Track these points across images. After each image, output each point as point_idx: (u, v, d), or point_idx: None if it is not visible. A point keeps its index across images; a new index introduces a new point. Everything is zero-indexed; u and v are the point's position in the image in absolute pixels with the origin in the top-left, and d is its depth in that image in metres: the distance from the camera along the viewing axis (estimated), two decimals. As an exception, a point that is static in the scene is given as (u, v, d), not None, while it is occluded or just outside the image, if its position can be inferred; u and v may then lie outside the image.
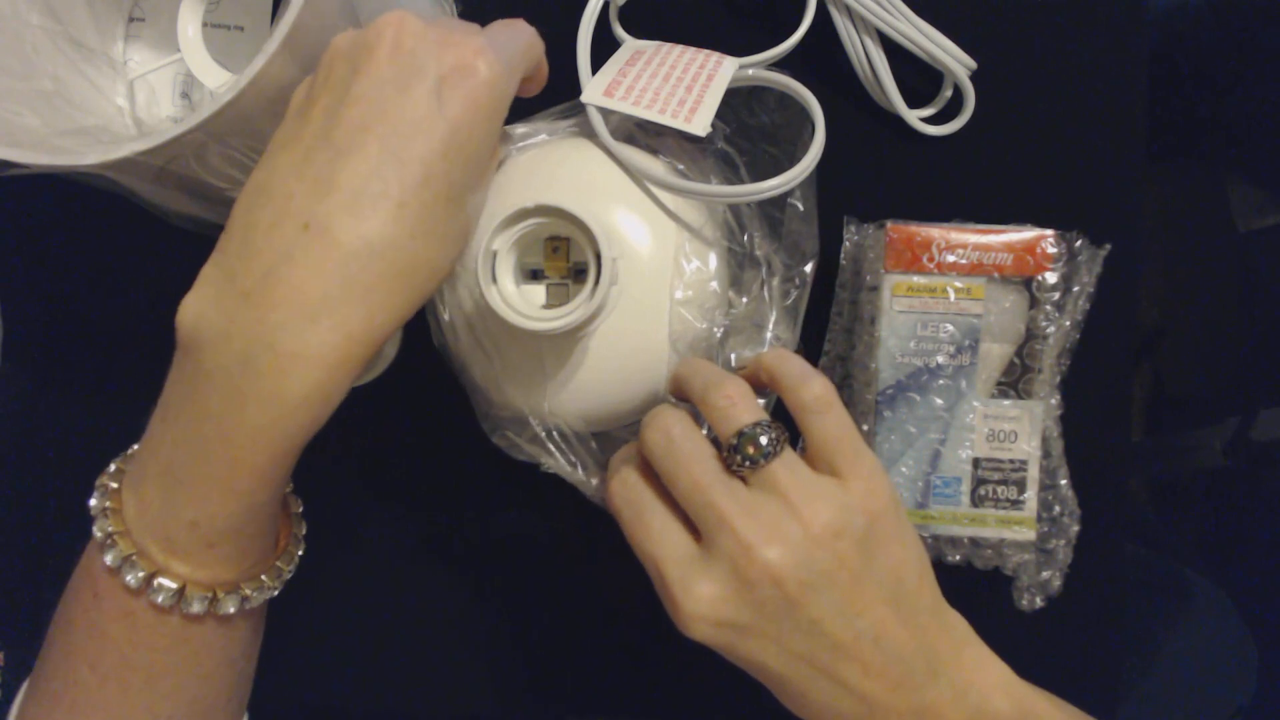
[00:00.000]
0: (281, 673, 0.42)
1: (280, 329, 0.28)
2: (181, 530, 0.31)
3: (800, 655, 0.34)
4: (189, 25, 0.46)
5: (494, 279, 0.37)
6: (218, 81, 0.45)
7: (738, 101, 0.45)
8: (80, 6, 0.46)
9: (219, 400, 0.29)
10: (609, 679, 0.51)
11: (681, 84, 0.42)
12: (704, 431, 0.37)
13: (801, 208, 0.44)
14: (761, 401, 0.38)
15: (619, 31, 0.47)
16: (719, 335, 0.42)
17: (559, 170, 0.42)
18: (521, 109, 0.43)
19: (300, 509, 0.39)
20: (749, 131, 0.45)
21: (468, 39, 0.33)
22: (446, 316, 0.42)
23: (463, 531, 0.51)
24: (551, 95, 0.43)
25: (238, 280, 0.29)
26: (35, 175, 0.36)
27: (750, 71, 0.44)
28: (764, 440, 0.34)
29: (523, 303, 0.38)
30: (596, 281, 0.36)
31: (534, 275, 0.40)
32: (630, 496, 0.36)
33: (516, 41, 0.36)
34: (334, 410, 0.31)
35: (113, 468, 0.34)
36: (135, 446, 0.34)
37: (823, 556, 0.33)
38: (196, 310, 0.29)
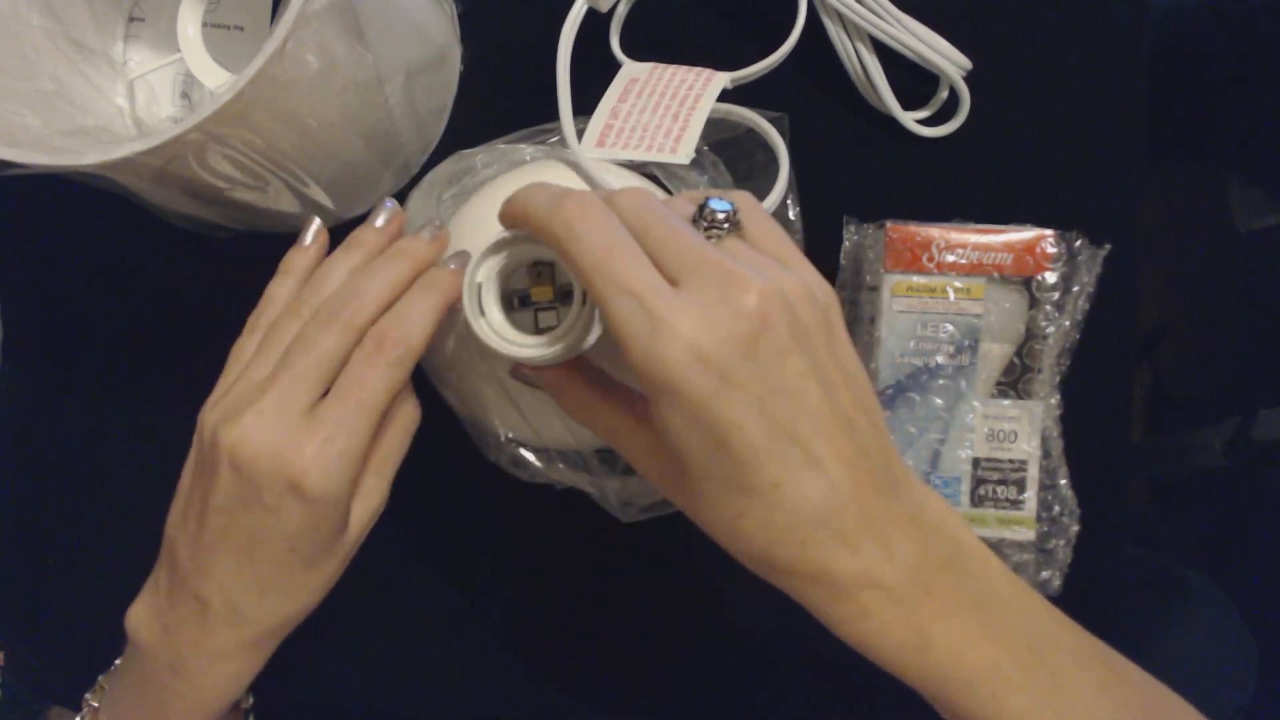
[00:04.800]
0: (281, 672, 0.42)
1: (191, 660, 0.39)
2: None
3: (780, 422, 0.30)
4: (189, 25, 0.46)
5: (481, 311, 0.37)
6: (218, 81, 0.46)
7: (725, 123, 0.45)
8: (80, 6, 0.46)
9: (155, 690, 0.40)
10: (609, 680, 0.51)
11: (669, 113, 0.43)
12: None
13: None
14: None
15: (618, 53, 0.47)
16: None
17: None
18: (504, 125, 0.43)
19: (250, 704, 0.45)
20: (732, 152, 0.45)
21: (305, 446, 0.35)
22: (448, 382, 0.42)
23: (463, 532, 0.51)
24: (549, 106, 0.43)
25: (162, 615, 0.39)
26: (35, 175, 0.36)
27: (724, 106, 0.44)
28: (724, 209, 0.33)
29: (513, 331, 0.37)
30: (584, 301, 0.36)
31: (523, 302, 0.39)
32: (597, 220, 0.31)
33: (366, 410, 0.36)
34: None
35: (96, 685, 0.43)
36: (118, 662, 0.42)
37: (803, 311, 0.31)
38: (135, 624, 0.40)
